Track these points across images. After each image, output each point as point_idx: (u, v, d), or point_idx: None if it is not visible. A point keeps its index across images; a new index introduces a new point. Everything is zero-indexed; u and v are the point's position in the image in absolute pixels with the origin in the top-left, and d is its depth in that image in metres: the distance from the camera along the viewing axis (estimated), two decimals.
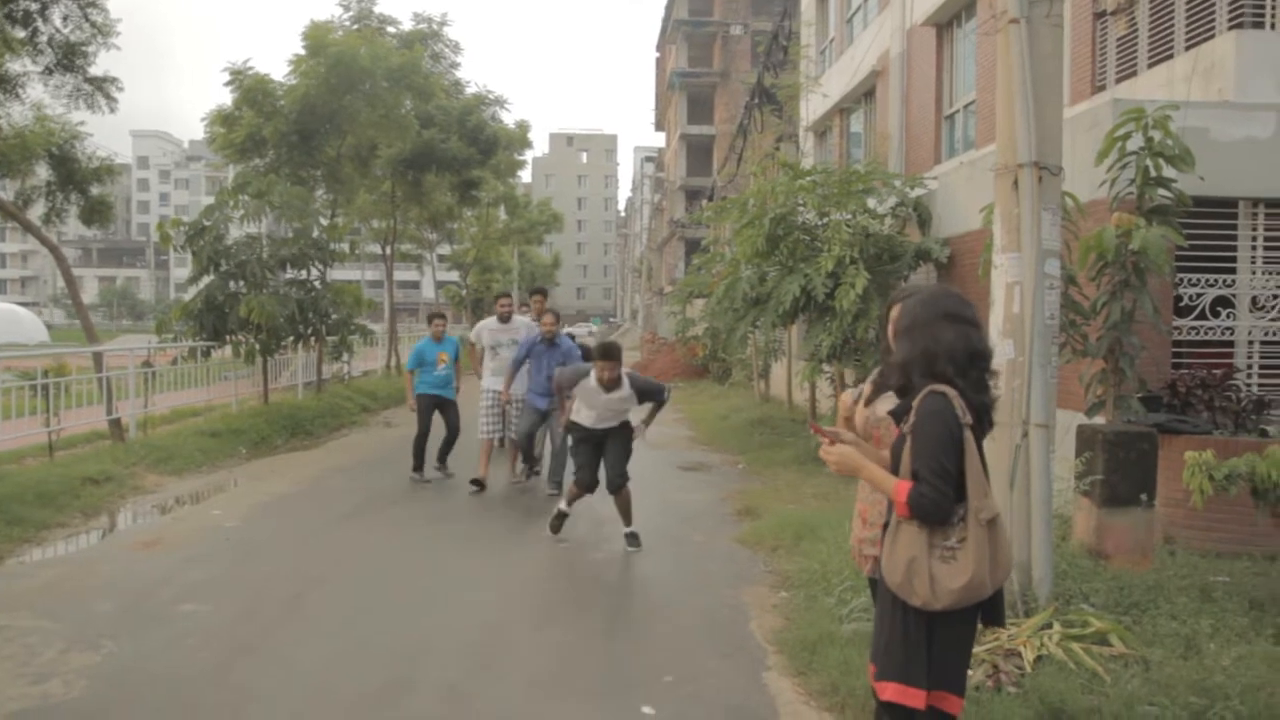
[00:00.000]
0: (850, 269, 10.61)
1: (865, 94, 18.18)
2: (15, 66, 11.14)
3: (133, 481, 10.04)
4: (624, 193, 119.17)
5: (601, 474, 7.96)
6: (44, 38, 10.91)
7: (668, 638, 5.64)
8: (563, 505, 8.11)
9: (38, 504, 8.42)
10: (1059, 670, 4.43)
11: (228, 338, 14.60)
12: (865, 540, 3.93)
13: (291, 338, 15.53)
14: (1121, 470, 6.10)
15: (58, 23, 10.99)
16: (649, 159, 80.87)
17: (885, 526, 3.21)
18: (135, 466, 10.51)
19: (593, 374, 7.64)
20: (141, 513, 9.17)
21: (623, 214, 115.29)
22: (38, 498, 8.52)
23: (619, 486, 7.85)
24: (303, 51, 17.34)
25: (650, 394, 7.87)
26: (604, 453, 7.91)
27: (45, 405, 10.97)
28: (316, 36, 17.17)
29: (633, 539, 7.83)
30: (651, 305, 59.86)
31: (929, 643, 3.07)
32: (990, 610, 3.16)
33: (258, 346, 14.72)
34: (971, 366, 3.14)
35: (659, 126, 64.75)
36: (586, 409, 7.78)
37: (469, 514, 9.21)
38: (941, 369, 3.08)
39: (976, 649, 4.66)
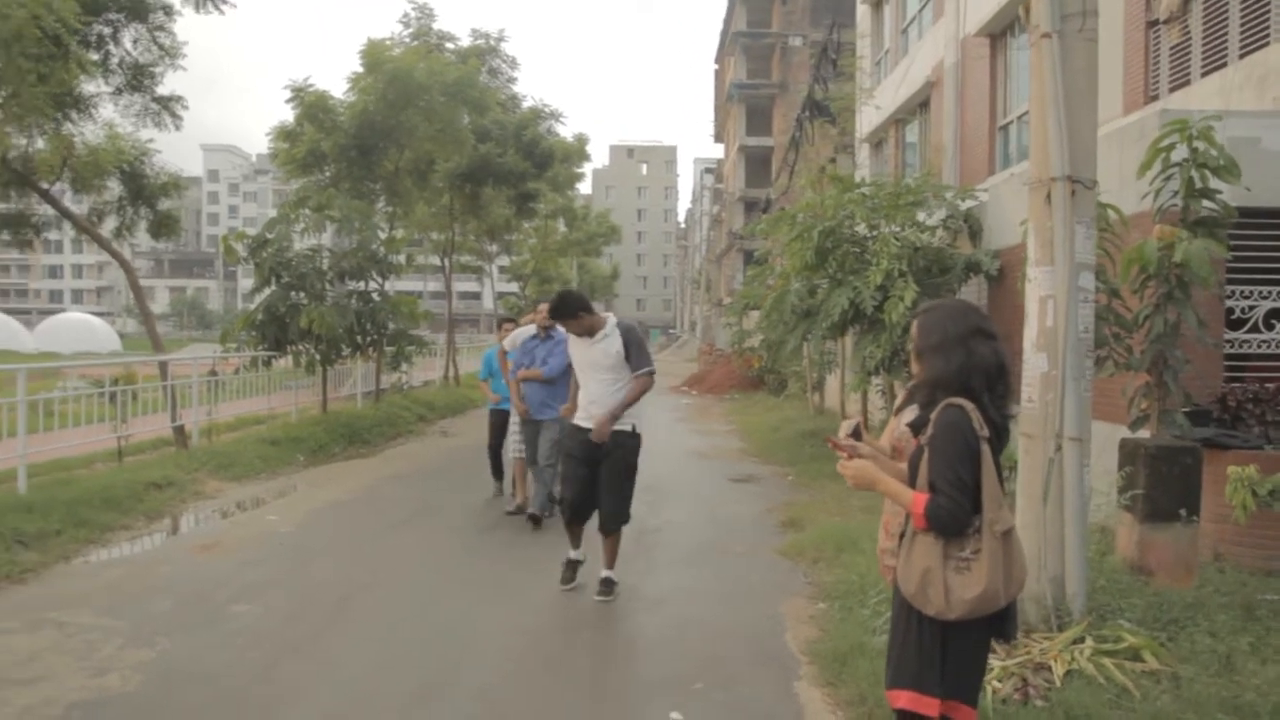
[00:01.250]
0: (899, 281, 10.58)
1: (920, 105, 18.09)
2: (89, 88, 11.62)
3: (194, 487, 10.37)
4: (684, 204, 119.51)
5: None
6: (115, 60, 11.41)
7: (701, 646, 5.71)
8: (572, 553, 6.94)
9: (104, 507, 8.75)
10: (1088, 685, 4.42)
11: (289, 348, 14.99)
12: (886, 551, 3.97)
13: (350, 348, 15.87)
14: (1164, 485, 6.03)
15: (128, 45, 11.49)
16: (708, 170, 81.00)
17: (902, 537, 3.28)
18: (197, 472, 10.85)
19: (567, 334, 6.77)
20: (201, 517, 9.48)
21: (682, 225, 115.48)
22: (104, 501, 8.85)
23: (614, 529, 6.64)
24: (361, 69, 17.77)
25: (636, 356, 6.54)
26: (601, 479, 6.58)
27: (115, 412, 11.41)
28: (375, 54, 17.58)
29: (607, 587, 6.64)
30: (710, 317, 59.93)
31: (942, 652, 3.12)
32: (1001, 624, 3.19)
33: (317, 356, 15.10)
34: (999, 381, 3.21)
35: (718, 138, 64.89)
36: (586, 394, 6.62)
37: (516, 523, 9.35)
38: (975, 384, 3.14)
39: (1007, 662, 4.68)
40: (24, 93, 9.55)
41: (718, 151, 70.40)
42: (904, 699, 3.18)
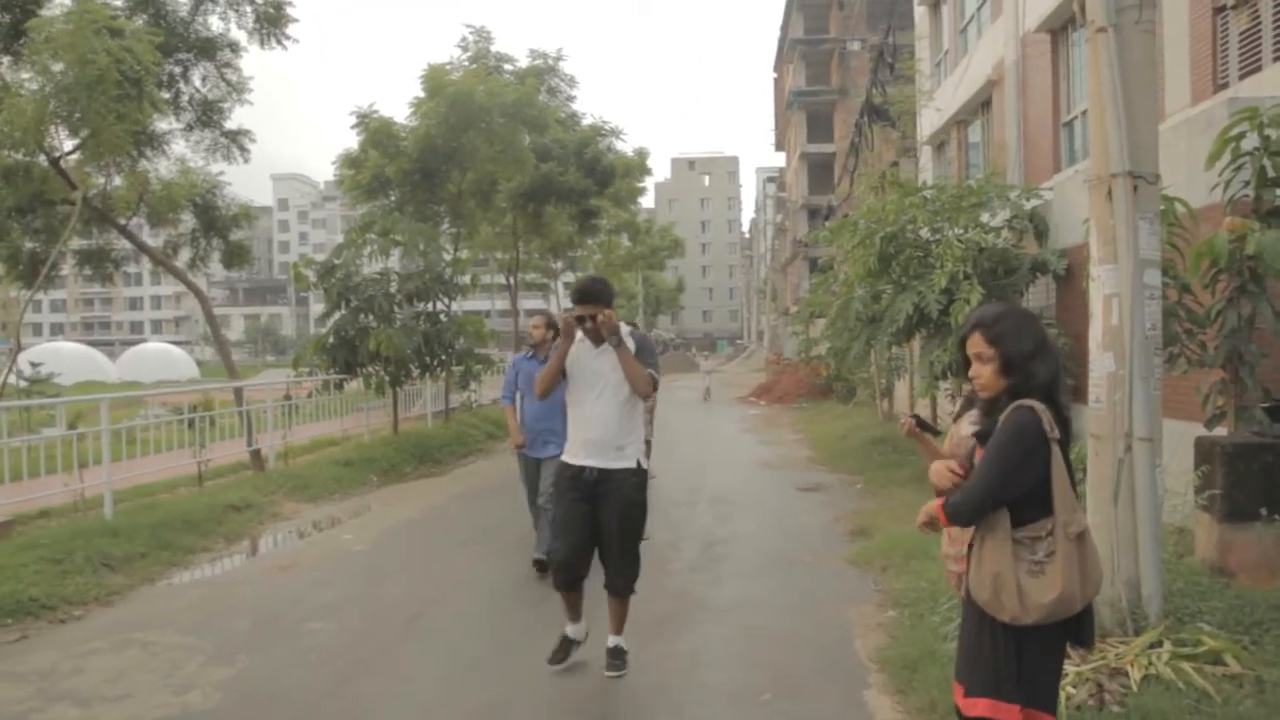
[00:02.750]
0: (964, 284, 10.44)
1: (982, 104, 17.83)
2: (162, 125, 12.05)
3: (271, 509, 10.62)
4: (747, 214, 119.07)
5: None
6: (185, 97, 11.84)
7: (769, 656, 5.69)
8: (569, 629, 5.52)
9: (185, 530, 9.02)
10: (1166, 690, 4.30)
11: (359, 370, 15.28)
12: (950, 556, 3.92)
13: (418, 369, 16.11)
14: (1243, 484, 5.86)
15: (197, 83, 11.91)
16: (770, 179, 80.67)
17: (971, 545, 3.23)
18: (274, 494, 11.12)
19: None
20: (278, 538, 9.70)
21: (746, 235, 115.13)
22: (185, 524, 9.12)
23: (624, 586, 5.34)
24: (422, 94, 18.10)
25: (647, 359, 5.29)
26: (602, 523, 5.23)
27: (194, 438, 11.77)
28: (435, 78, 17.90)
29: (618, 659, 5.37)
30: (777, 326, 59.60)
31: (1019, 658, 3.07)
32: (1078, 630, 3.13)
33: (386, 378, 15.37)
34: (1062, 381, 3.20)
35: (779, 146, 64.58)
36: (581, 419, 5.30)
37: None
38: (1061, 384, 3.15)
39: (1082, 667, 4.58)
40: (104, 132, 9.93)
41: (779, 160, 70.12)
42: (982, 707, 3.11)
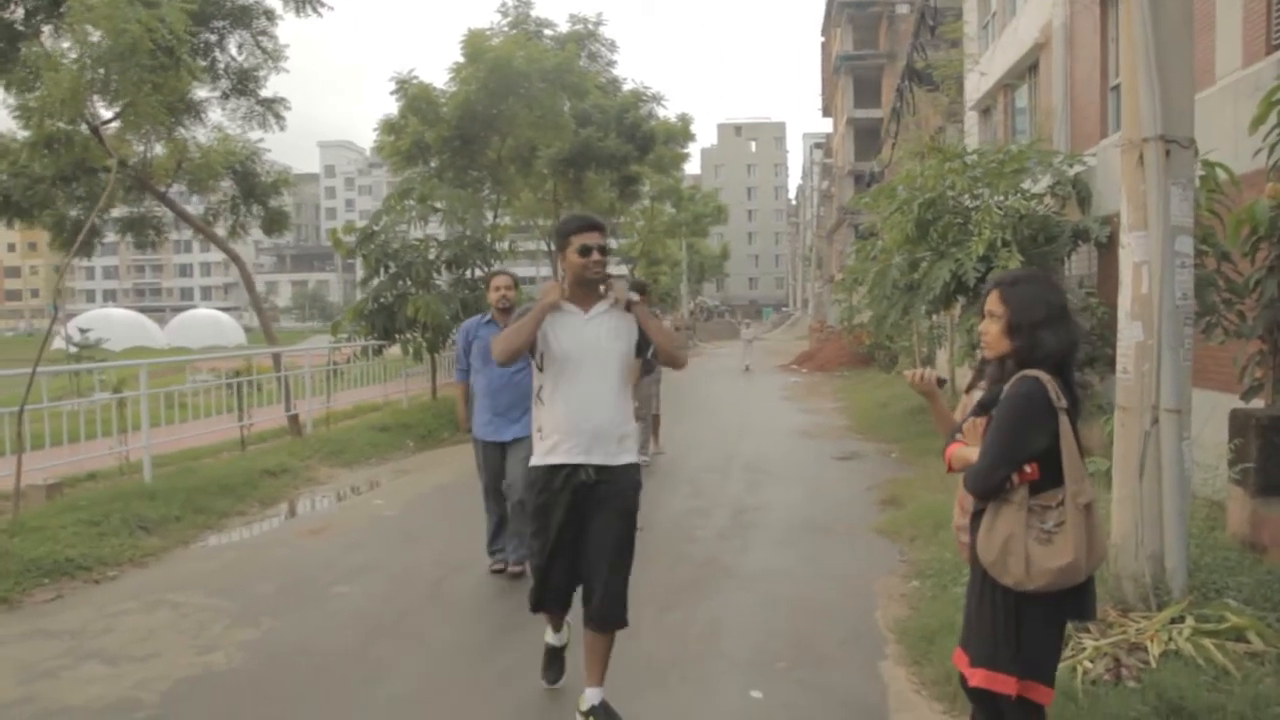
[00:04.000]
0: (1003, 252, 10.25)
1: (1029, 68, 17.41)
2: (200, 93, 12.15)
3: (307, 473, 10.78)
4: (794, 180, 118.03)
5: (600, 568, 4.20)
6: (220, 65, 11.93)
7: (788, 625, 5.69)
8: (550, 637, 4.67)
9: (221, 494, 9.18)
10: (1185, 666, 4.23)
11: (397, 336, 15.41)
12: (962, 528, 3.89)
13: None
14: (1277, 458, 5.72)
15: (233, 51, 11.99)
16: (817, 145, 79.73)
17: (977, 514, 3.20)
18: (310, 459, 11.27)
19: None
20: (312, 502, 9.85)
21: (793, 202, 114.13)
22: (221, 489, 9.28)
23: (611, 619, 4.19)
24: (462, 59, 18.07)
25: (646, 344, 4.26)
26: (588, 541, 4.20)
27: (237, 403, 12.00)
28: (474, 44, 17.86)
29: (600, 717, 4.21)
30: (822, 294, 59.15)
31: (1018, 629, 3.06)
32: (1079, 603, 3.11)
33: (425, 344, 15.47)
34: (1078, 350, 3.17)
35: (826, 112, 63.74)
36: (573, 403, 4.16)
37: None
38: (1075, 358, 3.12)
39: (1100, 641, 4.52)
40: (140, 102, 10.04)
41: (826, 126, 69.27)
42: (979, 677, 3.13)
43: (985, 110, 20.30)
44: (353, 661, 5.16)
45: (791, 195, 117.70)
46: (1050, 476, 2.99)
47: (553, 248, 27.96)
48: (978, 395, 3.58)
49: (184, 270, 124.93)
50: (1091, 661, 4.38)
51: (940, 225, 11.27)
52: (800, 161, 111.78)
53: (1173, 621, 4.59)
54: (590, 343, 4.17)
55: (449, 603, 6.28)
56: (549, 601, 4.39)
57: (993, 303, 3.16)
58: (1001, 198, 10.98)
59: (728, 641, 5.44)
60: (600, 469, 4.15)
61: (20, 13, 10.75)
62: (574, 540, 4.20)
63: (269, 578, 6.85)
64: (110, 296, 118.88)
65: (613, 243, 42.63)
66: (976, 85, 19.91)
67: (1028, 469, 2.99)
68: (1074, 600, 3.06)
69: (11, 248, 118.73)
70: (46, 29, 10.96)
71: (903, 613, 5.75)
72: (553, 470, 4.17)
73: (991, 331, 3.15)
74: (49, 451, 9.49)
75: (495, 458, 6.59)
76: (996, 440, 3.00)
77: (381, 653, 5.29)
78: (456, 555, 7.40)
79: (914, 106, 17.34)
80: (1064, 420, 2.99)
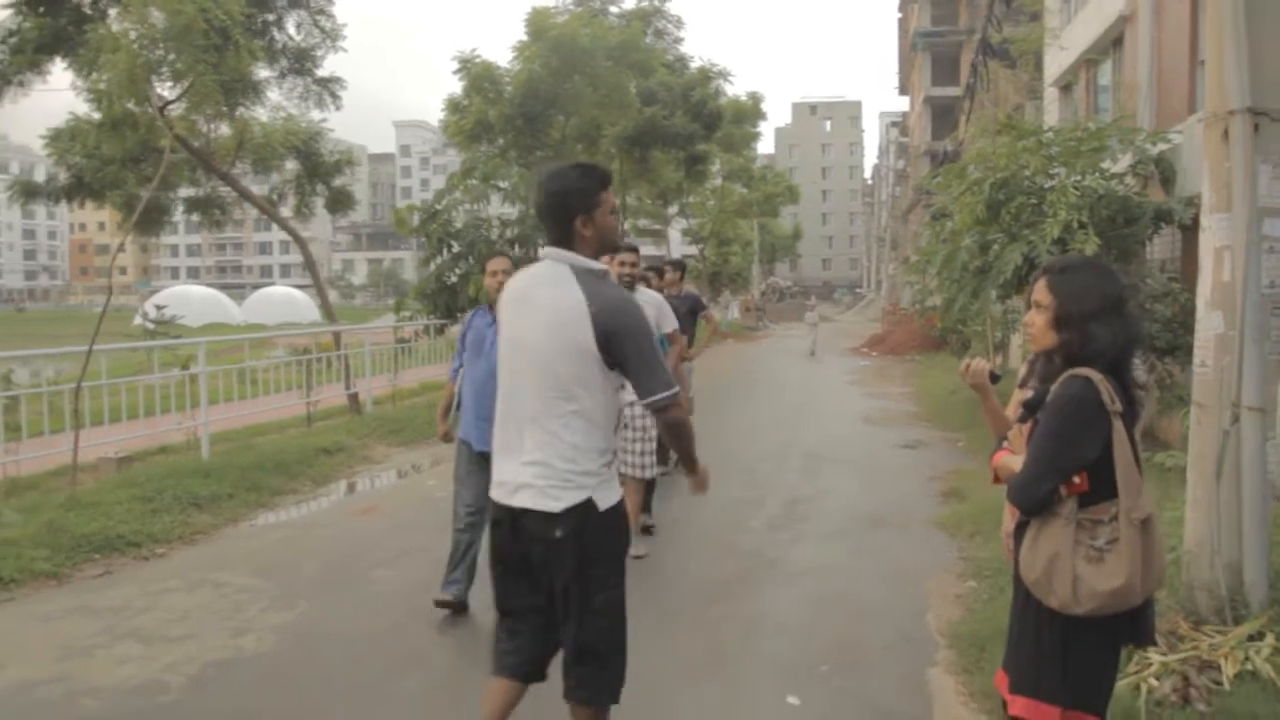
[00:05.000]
0: (1079, 234, 9.74)
1: (1113, 42, 16.65)
2: (263, 73, 12.21)
3: (363, 452, 10.77)
4: (870, 160, 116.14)
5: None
6: (278, 45, 11.95)
7: (834, 625, 5.43)
8: None
9: (275, 472, 9.18)
10: (1262, 690, 3.89)
11: (458, 315, 15.37)
12: (1009, 534, 3.60)
13: None
14: None
15: (291, 31, 12.02)
16: (894, 124, 78.18)
17: (1021, 526, 2.92)
18: (367, 438, 11.27)
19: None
20: (364, 481, 9.83)
21: (869, 182, 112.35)
22: (275, 466, 9.29)
23: (588, 694, 3.23)
24: (525, 38, 17.94)
25: (635, 363, 3.08)
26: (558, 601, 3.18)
27: (305, 380, 12.11)
28: (538, 22, 17.73)
29: None
30: (896, 275, 58.11)
31: (1064, 655, 2.77)
32: (1134, 626, 2.80)
33: None
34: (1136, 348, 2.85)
35: (903, 90, 62.35)
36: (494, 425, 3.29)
37: (672, 493, 9.22)
38: (1132, 356, 2.80)
39: (1168, 658, 4.19)
40: (197, 82, 10.08)
41: (903, 104, 67.81)
42: (1019, 705, 2.84)
43: (1065, 87, 19.53)
44: (383, 649, 5.05)
45: (867, 175, 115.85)
46: (1102, 488, 2.68)
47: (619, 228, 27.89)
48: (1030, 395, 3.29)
49: (264, 248, 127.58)
50: (1158, 679, 4.05)
51: (1013, 206, 10.78)
52: (876, 140, 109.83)
53: (1250, 639, 4.23)
54: (523, 335, 3.23)
55: (486, 588, 6.08)
56: (511, 668, 3.34)
57: (1039, 291, 2.85)
58: (1079, 177, 10.46)
59: (768, 641, 5.21)
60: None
61: None
62: (530, 607, 3.30)
63: (312, 558, 6.80)
64: (194, 274, 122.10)
65: (684, 223, 42.31)
66: (1056, 60, 19.14)
67: (1076, 480, 2.69)
68: (1128, 624, 2.76)
69: (101, 226, 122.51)
70: (113, 11, 11.06)
71: (956, 615, 5.45)
72: (500, 512, 3.23)
73: (1037, 323, 2.84)
74: (124, 425, 9.59)
75: (476, 469, 5.39)
76: (1042, 448, 2.70)
77: (414, 641, 5.17)
78: None
79: (988, 83, 16.72)
80: (1118, 426, 2.67)
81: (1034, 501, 2.75)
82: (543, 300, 3.14)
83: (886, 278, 67.40)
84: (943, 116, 48.66)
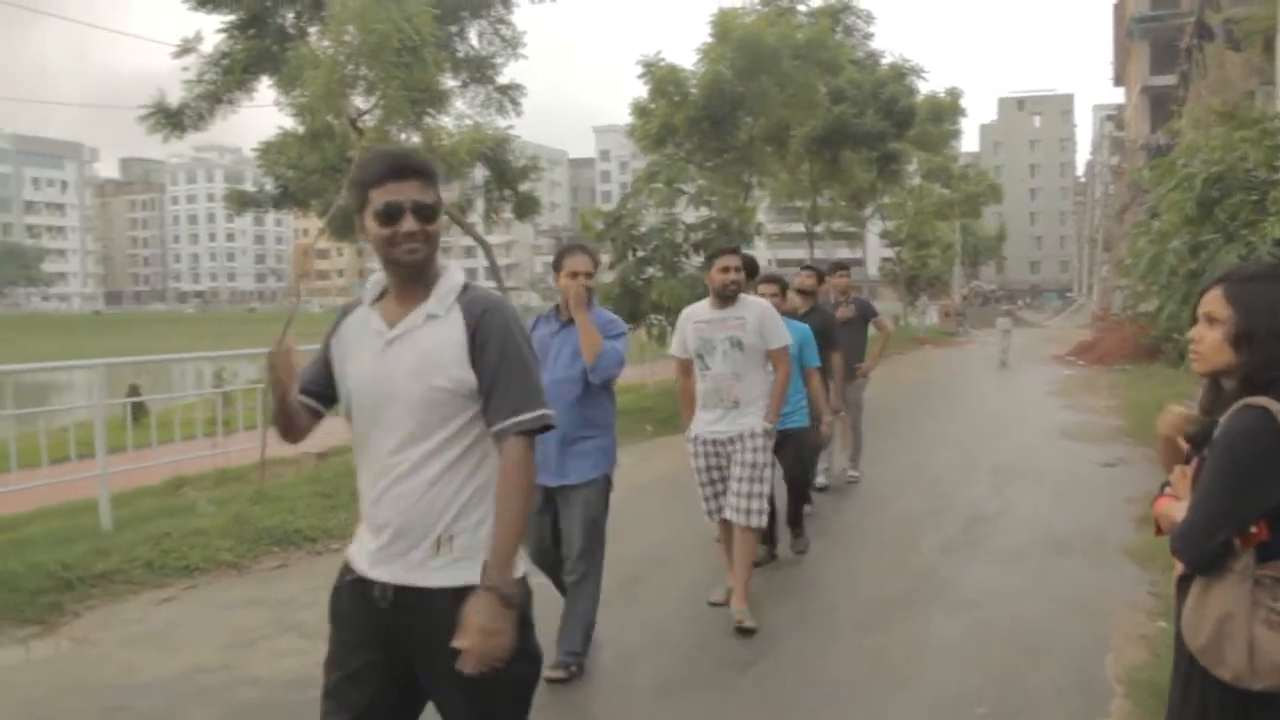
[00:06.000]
0: None
1: None
2: (450, 83, 12.70)
3: None
4: (1082, 157, 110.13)
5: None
6: (460, 55, 12.40)
7: (1001, 660, 5.04)
8: None
9: None
10: None
11: (642, 320, 15.47)
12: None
13: None
14: None
15: (473, 40, 12.45)
16: (1109, 117, 73.76)
17: (1184, 579, 2.53)
18: None
19: None
20: None
21: (1081, 179, 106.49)
22: None
23: None
24: (710, 39, 17.91)
25: (503, 383, 2.37)
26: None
27: None
28: (724, 23, 17.66)
29: None
30: (1108, 279, 54.79)
31: None
32: None
33: (669, 327, 15.43)
34: None
35: (1118, 81, 58.77)
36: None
37: (849, 498, 8.93)
38: None
39: None
40: (388, 95, 10.58)
41: (1118, 96, 63.88)
42: None
43: None
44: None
45: (1079, 172, 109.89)
46: None
47: (812, 230, 27.46)
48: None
49: (470, 251, 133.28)
50: None
51: (1229, 203, 9.87)
52: (1089, 136, 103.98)
53: None
54: (386, 371, 2.51)
55: (639, 601, 6.07)
56: None
57: (1213, 303, 2.44)
58: None
59: (925, 673, 4.89)
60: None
61: (290, 17, 11.61)
62: None
63: None
64: None
65: (880, 224, 41.18)
66: None
67: (1254, 529, 2.29)
68: None
69: (322, 231, 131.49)
70: (313, 30, 11.77)
71: (1140, 659, 4.94)
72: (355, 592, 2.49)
73: (1206, 340, 2.43)
74: (326, 421, 10.12)
75: (545, 508, 4.84)
76: (1210, 493, 2.31)
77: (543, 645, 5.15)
78: (657, 552, 7.21)
79: (1205, 69, 15.41)
80: None
81: (1203, 556, 2.35)
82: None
83: (1099, 281, 63.69)
84: (1162, 107, 45.47)
